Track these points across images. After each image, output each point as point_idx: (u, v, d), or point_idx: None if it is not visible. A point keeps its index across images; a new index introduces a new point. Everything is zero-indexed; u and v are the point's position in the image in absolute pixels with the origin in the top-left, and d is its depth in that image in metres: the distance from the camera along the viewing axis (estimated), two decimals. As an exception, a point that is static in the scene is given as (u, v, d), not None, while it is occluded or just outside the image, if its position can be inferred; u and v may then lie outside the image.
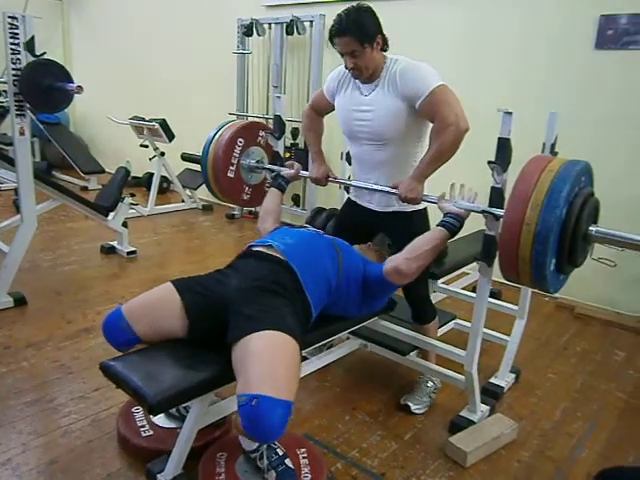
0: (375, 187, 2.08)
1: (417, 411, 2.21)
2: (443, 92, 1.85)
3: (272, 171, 2.48)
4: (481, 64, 3.75)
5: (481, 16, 3.72)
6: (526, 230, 1.46)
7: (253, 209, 5.32)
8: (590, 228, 1.55)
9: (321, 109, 2.30)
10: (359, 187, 2.18)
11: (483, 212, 1.80)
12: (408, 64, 1.93)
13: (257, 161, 2.54)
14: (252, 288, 1.65)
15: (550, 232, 1.44)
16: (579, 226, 1.49)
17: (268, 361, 1.42)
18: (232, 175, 2.45)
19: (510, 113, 1.80)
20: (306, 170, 2.37)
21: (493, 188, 1.81)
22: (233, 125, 2.47)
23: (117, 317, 1.64)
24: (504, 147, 1.78)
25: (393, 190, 2.00)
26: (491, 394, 2.32)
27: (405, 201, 1.97)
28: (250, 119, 2.52)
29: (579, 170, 1.51)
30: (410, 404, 2.22)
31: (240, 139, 2.44)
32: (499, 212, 1.76)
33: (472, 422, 2.09)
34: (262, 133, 2.55)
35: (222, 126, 2.48)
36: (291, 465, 1.71)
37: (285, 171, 2.36)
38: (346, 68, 2.00)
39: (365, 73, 1.96)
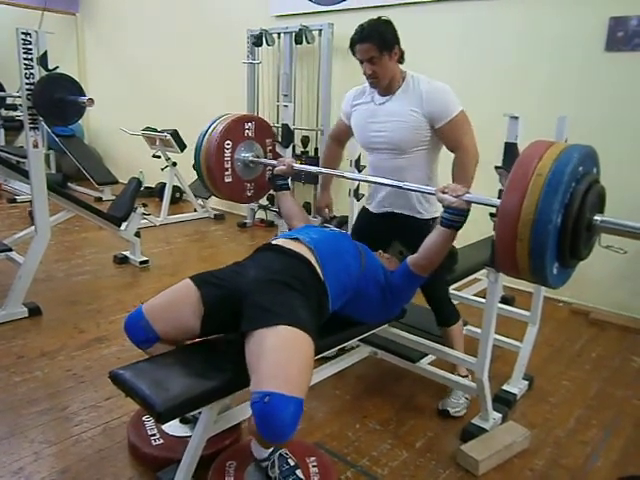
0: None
1: (457, 414, 2.21)
2: (463, 120, 2.02)
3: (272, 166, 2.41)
4: (488, 66, 3.74)
5: (489, 17, 3.72)
6: (520, 247, 1.39)
7: (265, 217, 5.35)
8: (595, 218, 1.44)
9: (342, 136, 2.42)
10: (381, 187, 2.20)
11: (491, 215, 1.78)
12: (434, 86, 2.04)
13: (251, 155, 2.43)
14: (268, 280, 1.66)
15: (545, 246, 1.35)
16: (580, 223, 1.39)
17: (281, 358, 1.43)
18: (230, 179, 2.38)
19: (516, 118, 1.79)
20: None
21: (501, 192, 1.80)
22: (214, 132, 2.33)
23: (137, 316, 1.68)
24: (511, 152, 1.77)
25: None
26: (504, 401, 2.28)
27: None
28: (232, 117, 2.41)
29: (573, 166, 1.36)
30: (449, 409, 2.21)
31: (227, 141, 2.34)
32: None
33: (484, 430, 2.06)
34: (249, 125, 2.42)
35: (203, 134, 2.35)
36: (302, 476, 1.71)
37: (277, 168, 2.29)
38: (364, 75, 2.07)
39: (382, 81, 2.05)
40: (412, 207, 2.17)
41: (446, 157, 2.13)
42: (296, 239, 1.84)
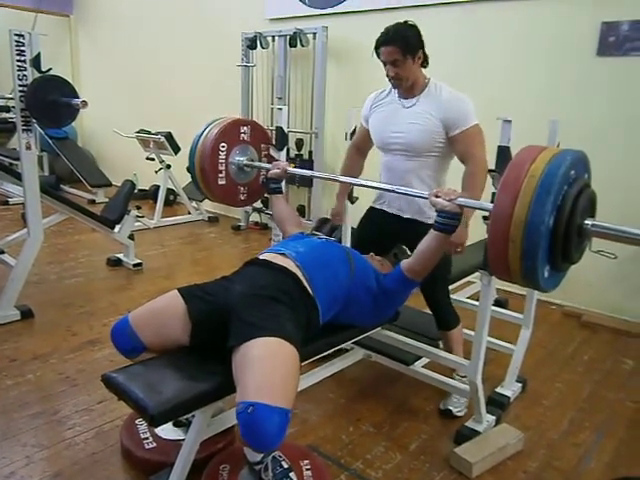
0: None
1: (459, 414, 2.23)
2: (477, 132, 2.05)
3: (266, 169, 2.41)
4: (481, 71, 3.76)
5: (482, 22, 3.74)
6: (512, 248, 1.38)
7: (259, 220, 5.35)
8: (586, 222, 1.44)
9: (363, 144, 2.42)
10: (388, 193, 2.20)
11: (484, 218, 1.79)
12: (455, 95, 2.09)
13: (246, 158, 2.43)
14: (255, 295, 1.66)
15: (538, 247, 1.36)
16: (571, 226, 1.40)
17: (265, 368, 1.43)
18: (224, 182, 2.38)
19: (509, 121, 1.80)
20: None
21: (494, 195, 1.80)
22: (210, 134, 2.33)
23: (123, 325, 1.67)
24: (503, 155, 1.78)
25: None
26: (497, 404, 2.29)
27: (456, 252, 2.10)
28: (227, 120, 2.41)
29: (565, 169, 1.36)
30: (451, 408, 2.23)
31: (222, 144, 2.33)
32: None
33: (477, 432, 2.07)
34: (244, 129, 2.43)
35: (199, 136, 2.35)
36: (295, 479, 1.70)
37: (272, 172, 2.28)
38: (387, 77, 2.12)
39: (405, 83, 2.10)
40: (421, 212, 2.18)
41: (455, 168, 2.15)
42: (282, 254, 1.84)
